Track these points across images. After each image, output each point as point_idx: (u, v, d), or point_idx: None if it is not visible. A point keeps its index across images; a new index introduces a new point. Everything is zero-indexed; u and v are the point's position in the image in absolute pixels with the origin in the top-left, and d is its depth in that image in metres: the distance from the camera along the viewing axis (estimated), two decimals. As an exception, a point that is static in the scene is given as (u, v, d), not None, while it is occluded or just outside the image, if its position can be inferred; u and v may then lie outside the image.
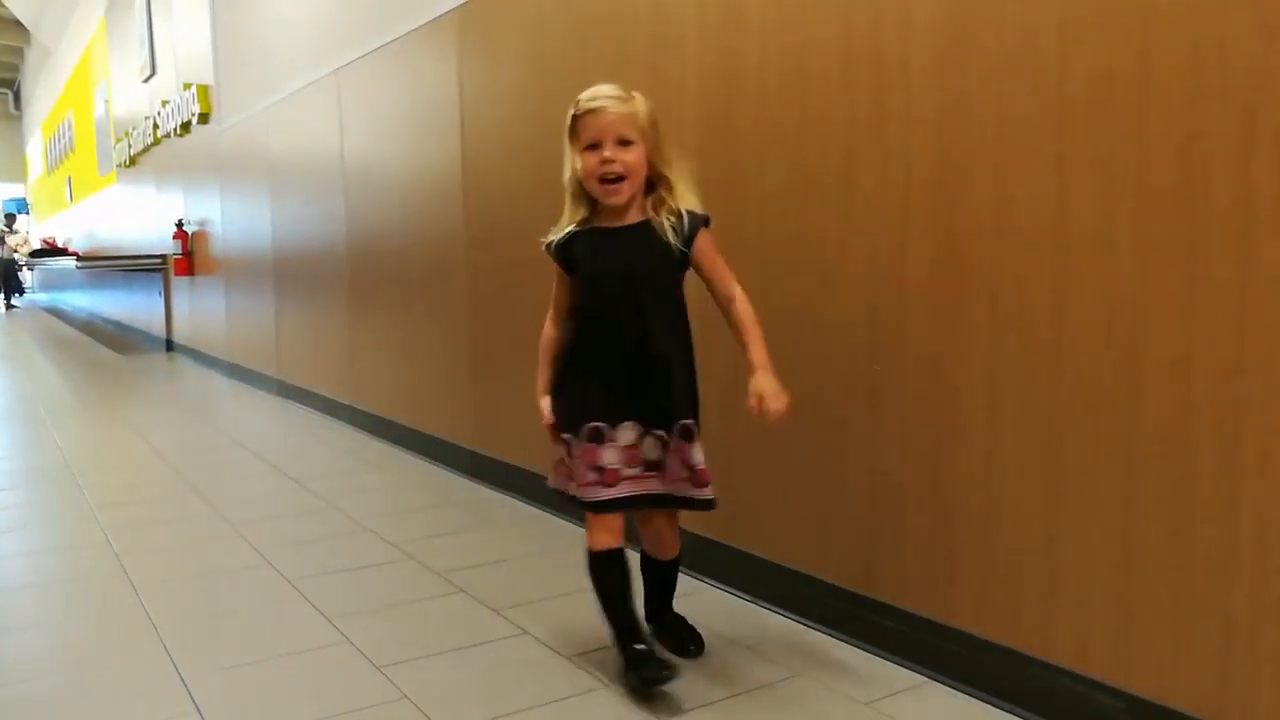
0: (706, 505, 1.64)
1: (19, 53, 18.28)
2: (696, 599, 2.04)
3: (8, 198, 21.34)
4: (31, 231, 18.88)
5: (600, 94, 1.58)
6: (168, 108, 6.82)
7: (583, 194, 1.63)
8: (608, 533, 1.62)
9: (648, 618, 1.79)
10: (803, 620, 1.91)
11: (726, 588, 2.09)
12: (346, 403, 4.18)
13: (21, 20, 13.90)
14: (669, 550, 1.76)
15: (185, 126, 6.45)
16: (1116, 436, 1.38)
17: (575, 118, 1.59)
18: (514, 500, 2.82)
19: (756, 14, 1.91)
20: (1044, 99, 1.44)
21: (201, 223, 6.64)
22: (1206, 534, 1.29)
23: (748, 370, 1.59)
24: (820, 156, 1.80)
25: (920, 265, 1.64)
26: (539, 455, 2.60)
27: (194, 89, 6.11)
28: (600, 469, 1.60)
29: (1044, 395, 1.47)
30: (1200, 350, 1.28)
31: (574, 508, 1.68)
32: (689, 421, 1.62)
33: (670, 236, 1.59)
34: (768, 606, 1.98)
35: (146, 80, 7.66)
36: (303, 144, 4.51)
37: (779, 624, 1.91)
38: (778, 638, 1.85)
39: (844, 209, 1.76)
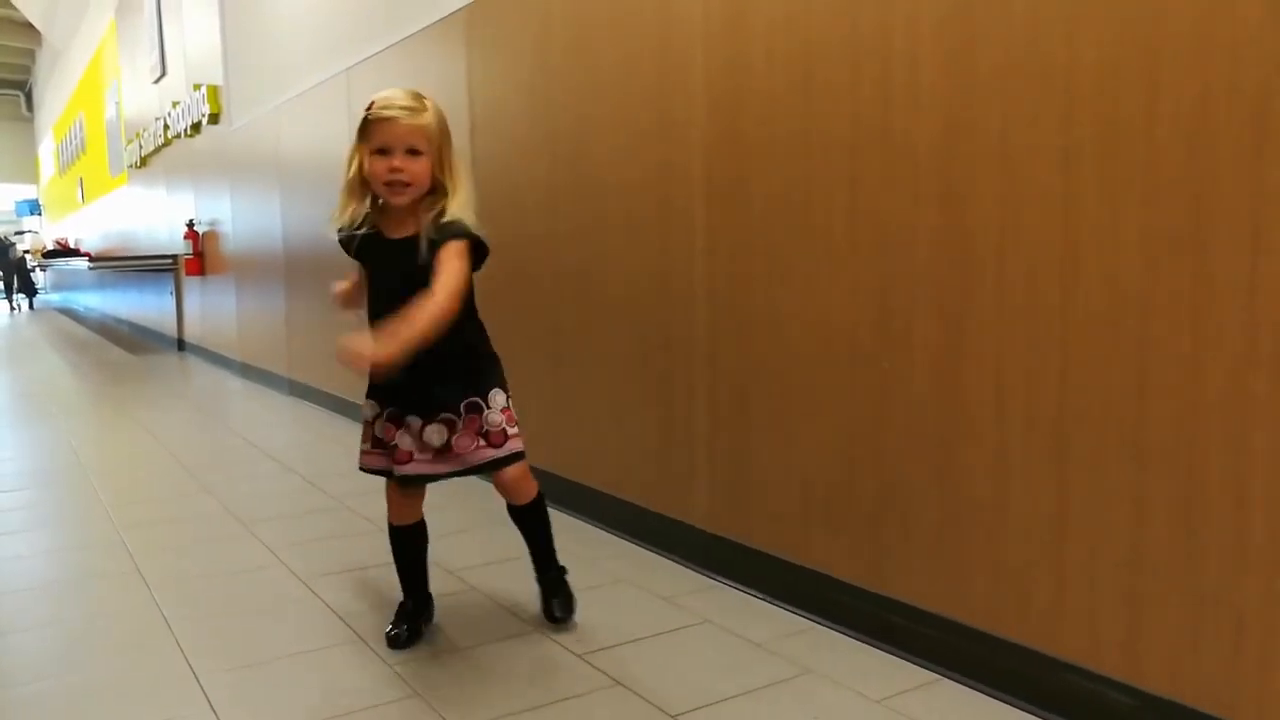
0: (513, 459, 1.79)
1: (30, 55, 18.39)
2: (707, 595, 2.05)
3: (20, 198, 21.48)
4: (29, 235, 18.94)
5: (395, 102, 1.65)
6: (178, 108, 6.85)
7: (364, 191, 1.72)
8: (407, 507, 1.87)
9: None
10: (813, 617, 1.91)
11: (738, 585, 2.09)
12: (357, 402, 4.18)
13: (33, 22, 13.97)
14: (513, 496, 1.88)
15: (196, 127, 6.47)
16: (1126, 432, 1.37)
17: (367, 121, 1.66)
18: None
19: (764, 13, 1.91)
20: (1052, 93, 1.43)
21: (212, 223, 6.66)
22: (1217, 530, 1.29)
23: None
24: (825, 154, 1.80)
25: (928, 262, 1.63)
26: (551, 454, 2.60)
27: (204, 89, 6.13)
28: (393, 448, 1.77)
29: (1053, 391, 1.46)
30: (1210, 346, 1.28)
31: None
32: (474, 399, 1.75)
33: (426, 251, 1.67)
34: (779, 604, 1.99)
35: (157, 81, 7.70)
36: (313, 144, 4.52)
37: (790, 621, 1.91)
38: (789, 635, 1.85)
39: (850, 206, 1.76)
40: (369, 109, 1.67)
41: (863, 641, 1.80)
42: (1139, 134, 1.33)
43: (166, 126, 7.27)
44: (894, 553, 1.74)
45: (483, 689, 1.65)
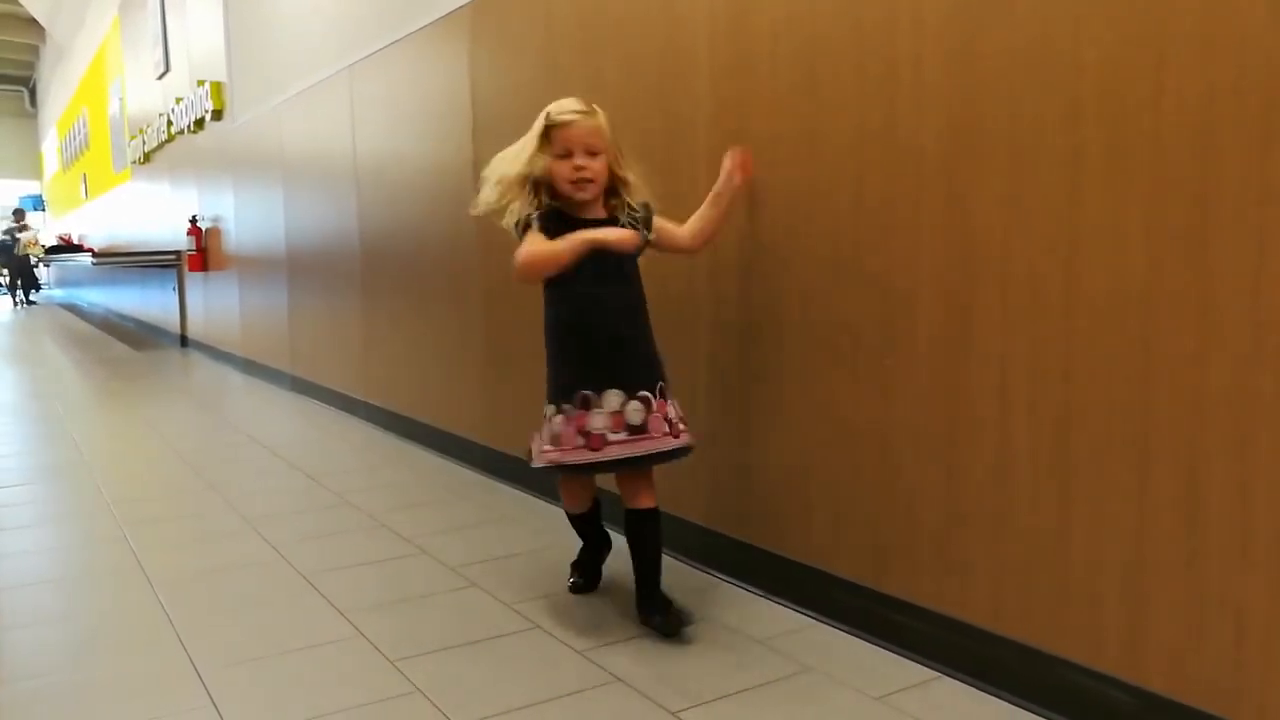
0: (681, 453, 1.82)
1: (34, 50, 18.40)
2: (709, 594, 2.05)
3: (24, 194, 21.50)
4: (42, 228, 18.94)
5: (568, 108, 1.82)
6: (181, 104, 6.85)
7: (538, 188, 1.83)
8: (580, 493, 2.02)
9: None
10: (814, 615, 1.91)
11: (738, 582, 2.09)
12: (361, 398, 4.19)
13: (37, 18, 13.99)
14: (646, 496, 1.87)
15: (199, 123, 6.48)
16: (1129, 432, 1.37)
17: (549, 129, 1.81)
18: (527, 495, 2.83)
19: (767, 13, 1.91)
20: (1057, 92, 1.43)
21: (215, 219, 6.67)
22: (1219, 528, 1.29)
23: (718, 198, 1.96)
24: (831, 153, 1.80)
25: (932, 260, 1.63)
26: (551, 450, 2.60)
27: (207, 85, 6.13)
28: (588, 433, 1.78)
29: (1056, 389, 1.46)
30: (1214, 345, 1.27)
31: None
32: (662, 384, 1.84)
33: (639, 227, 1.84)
34: (779, 601, 1.99)
35: (160, 77, 7.70)
36: (316, 140, 4.53)
37: (790, 618, 1.91)
38: (789, 632, 1.85)
39: (855, 205, 1.76)
40: (547, 117, 1.81)
41: (863, 639, 1.80)
42: (1144, 133, 1.33)
43: (170, 123, 7.28)
44: (894, 550, 1.74)
45: (483, 685, 1.65)
